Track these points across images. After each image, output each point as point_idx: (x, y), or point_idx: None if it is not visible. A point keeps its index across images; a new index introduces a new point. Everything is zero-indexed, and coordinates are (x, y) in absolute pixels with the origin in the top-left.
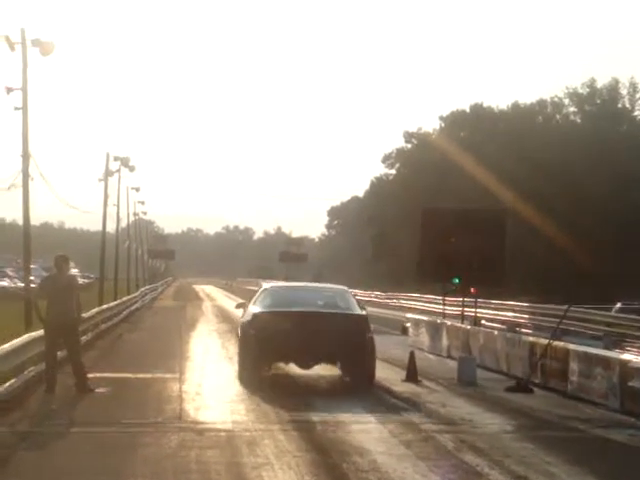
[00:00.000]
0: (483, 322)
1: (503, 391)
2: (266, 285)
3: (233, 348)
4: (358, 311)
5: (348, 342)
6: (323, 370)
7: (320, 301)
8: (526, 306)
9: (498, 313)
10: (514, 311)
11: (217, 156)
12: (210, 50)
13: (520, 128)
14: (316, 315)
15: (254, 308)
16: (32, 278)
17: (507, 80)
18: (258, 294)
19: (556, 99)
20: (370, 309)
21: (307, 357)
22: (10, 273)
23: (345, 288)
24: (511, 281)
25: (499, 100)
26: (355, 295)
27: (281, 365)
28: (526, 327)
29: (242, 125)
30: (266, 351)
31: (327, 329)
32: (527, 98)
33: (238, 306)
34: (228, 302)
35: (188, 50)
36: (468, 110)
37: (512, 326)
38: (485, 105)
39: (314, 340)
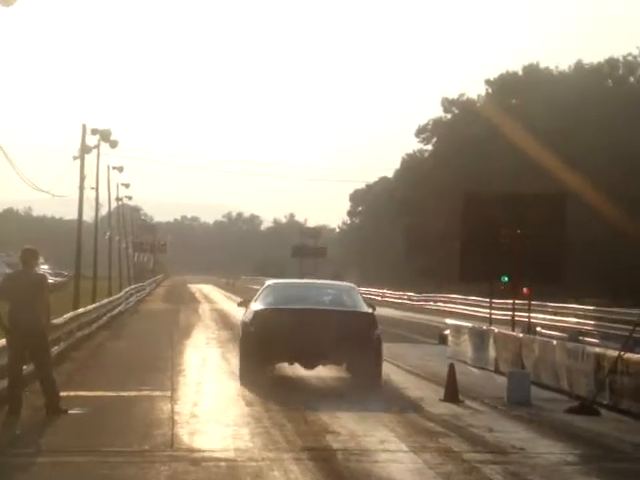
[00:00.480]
0: (538, 329)
1: (563, 413)
2: (269, 281)
3: (235, 360)
4: (365, 309)
5: (354, 341)
6: (328, 371)
7: (325, 298)
8: (591, 310)
9: (557, 318)
10: (576, 316)
11: (216, 131)
12: (208, 5)
13: (585, 93)
14: (320, 312)
15: (256, 305)
16: None
17: (568, 36)
18: (261, 290)
19: (630, 58)
20: (401, 313)
21: (310, 357)
22: None
23: (352, 285)
24: (571, 279)
25: (559, 60)
26: (383, 295)
27: (286, 367)
28: (591, 336)
29: (248, 94)
30: (267, 350)
31: (332, 327)
32: (593, 57)
33: (240, 304)
34: (230, 305)
35: (182, 6)
36: (521, 72)
37: (574, 334)
38: (542, 66)
39: (318, 339)
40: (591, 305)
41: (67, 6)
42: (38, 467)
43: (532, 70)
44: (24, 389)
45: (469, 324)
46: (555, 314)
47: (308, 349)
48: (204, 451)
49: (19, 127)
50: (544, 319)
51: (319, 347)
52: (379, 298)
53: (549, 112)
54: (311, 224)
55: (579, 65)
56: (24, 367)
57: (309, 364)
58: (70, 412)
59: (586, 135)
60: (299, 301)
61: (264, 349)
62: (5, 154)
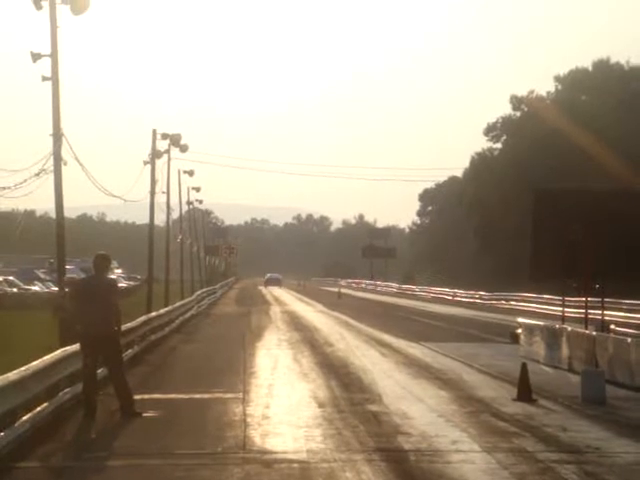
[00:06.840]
0: (612, 327)
1: (639, 412)
2: (268, 274)
3: (307, 362)
4: (280, 277)
5: (279, 282)
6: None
7: (276, 276)
8: None
9: (631, 315)
10: None
11: (284, 132)
12: (279, 21)
13: None
14: (275, 278)
15: (265, 277)
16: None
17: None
18: (266, 275)
19: None
20: (473, 313)
21: (274, 285)
22: (42, 276)
23: (279, 275)
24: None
25: (630, 54)
26: (454, 294)
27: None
28: None
29: (315, 97)
30: (267, 282)
31: (276, 280)
32: None
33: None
34: (301, 307)
35: (253, 17)
36: (591, 68)
37: None
38: (612, 61)
39: (275, 282)
40: None
41: (134, 11)
42: (113, 470)
43: (602, 65)
44: (99, 393)
45: (541, 322)
46: (629, 311)
47: (273, 283)
48: (276, 453)
49: (91, 134)
50: (618, 316)
51: (275, 283)
52: (450, 298)
53: (621, 108)
54: (380, 224)
55: None
56: (98, 371)
57: (274, 285)
58: (144, 415)
59: None
60: (272, 276)
61: (267, 283)
62: (80, 163)
